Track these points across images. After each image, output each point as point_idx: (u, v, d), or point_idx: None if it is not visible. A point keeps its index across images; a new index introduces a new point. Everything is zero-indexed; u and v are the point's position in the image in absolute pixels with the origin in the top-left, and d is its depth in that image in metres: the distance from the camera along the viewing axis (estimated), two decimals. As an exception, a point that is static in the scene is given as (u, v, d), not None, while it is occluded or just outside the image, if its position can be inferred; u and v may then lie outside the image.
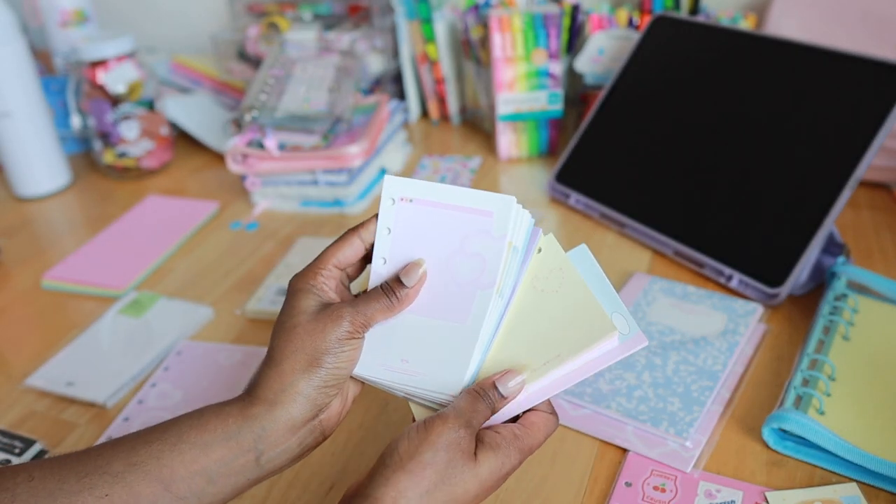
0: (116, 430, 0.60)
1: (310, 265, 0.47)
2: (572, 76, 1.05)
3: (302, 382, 0.43)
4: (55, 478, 0.40)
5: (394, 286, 0.46)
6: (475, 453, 0.41)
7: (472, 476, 0.41)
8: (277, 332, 0.45)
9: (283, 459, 0.44)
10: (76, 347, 0.70)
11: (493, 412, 0.43)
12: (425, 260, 0.46)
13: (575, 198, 0.87)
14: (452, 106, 1.15)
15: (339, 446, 0.58)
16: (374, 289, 0.46)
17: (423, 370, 0.45)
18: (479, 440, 0.42)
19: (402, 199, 0.47)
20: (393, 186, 0.47)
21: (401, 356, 0.46)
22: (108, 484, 0.40)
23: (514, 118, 0.99)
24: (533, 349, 0.45)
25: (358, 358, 0.45)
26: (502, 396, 0.43)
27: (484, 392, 0.43)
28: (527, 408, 0.44)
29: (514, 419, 0.45)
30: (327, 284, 0.46)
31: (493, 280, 0.45)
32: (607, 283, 0.45)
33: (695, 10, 0.98)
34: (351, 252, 0.47)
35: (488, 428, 0.43)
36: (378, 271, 0.47)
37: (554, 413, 0.45)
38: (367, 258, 0.48)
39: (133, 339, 0.71)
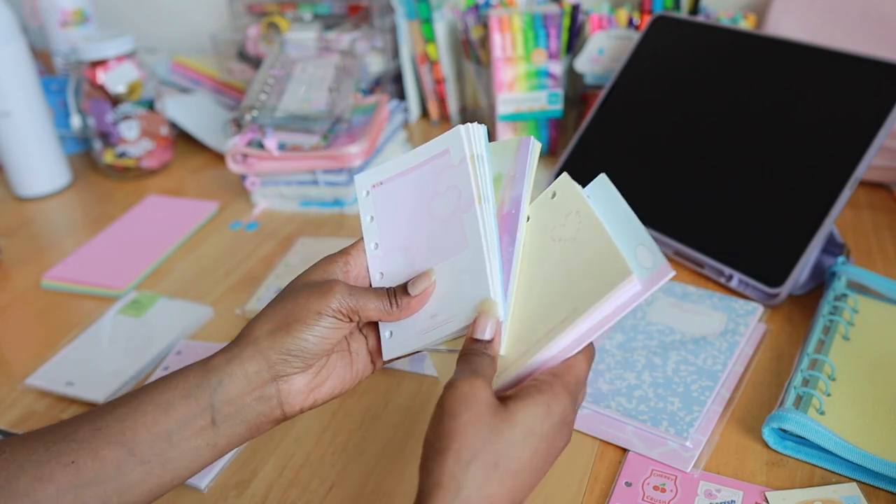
0: (116, 430, 0.60)
1: (345, 248, 0.48)
2: (572, 76, 1.05)
3: (265, 342, 0.43)
4: (25, 449, 0.41)
5: (398, 293, 0.45)
6: (508, 405, 0.39)
7: (514, 429, 0.38)
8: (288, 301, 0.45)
9: (237, 423, 0.43)
10: (76, 347, 0.70)
11: (492, 354, 0.42)
12: (413, 221, 0.47)
13: (575, 198, 0.87)
14: (452, 106, 1.15)
15: (339, 446, 0.58)
16: (379, 288, 0.45)
17: (452, 312, 0.44)
18: (515, 394, 0.40)
19: (373, 187, 0.48)
20: (361, 181, 0.49)
21: (429, 315, 0.45)
22: (74, 451, 0.41)
23: (514, 118, 0.99)
24: (551, 305, 0.42)
25: (334, 339, 0.44)
26: (488, 341, 0.42)
27: (470, 347, 0.42)
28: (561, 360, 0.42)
29: None
30: (353, 263, 0.46)
31: (471, 197, 0.45)
32: (629, 212, 0.42)
33: (695, 10, 0.98)
34: None
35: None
36: (372, 254, 0.48)
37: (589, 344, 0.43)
38: None
39: (133, 339, 0.71)
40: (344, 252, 0.47)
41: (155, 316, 0.74)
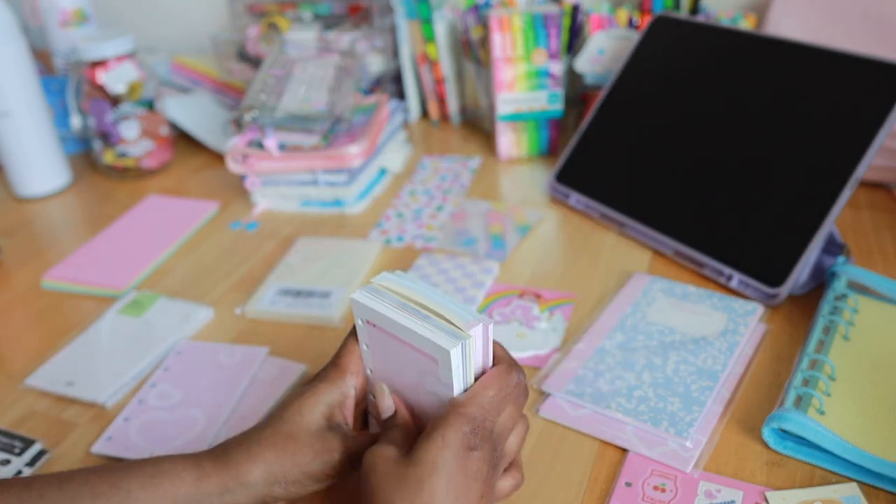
0: (116, 430, 0.60)
1: (338, 361, 0.48)
2: (572, 76, 1.05)
3: (262, 489, 0.44)
4: None
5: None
6: (410, 452, 0.40)
7: (418, 468, 0.39)
8: (280, 420, 0.45)
9: None
10: (76, 347, 0.70)
11: (399, 422, 0.45)
12: (400, 390, 0.47)
13: (575, 198, 0.87)
14: (452, 106, 1.15)
15: (339, 446, 0.58)
16: (373, 434, 0.46)
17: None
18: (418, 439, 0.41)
19: (367, 322, 0.46)
20: (359, 307, 0.46)
21: None
22: None
23: (514, 118, 0.99)
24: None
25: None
26: (391, 416, 0.45)
27: (382, 427, 0.46)
28: None
29: None
30: (353, 381, 0.47)
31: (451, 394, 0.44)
32: (433, 293, 0.44)
33: (695, 10, 0.98)
34: None
35: None
36: (369, 377, 0.49)
37: (508, 363, 0.44)
38: None
39: (133, 339, 0.71)
40: (341, 371, 0.47)
41: (155, 316, 0.74)
